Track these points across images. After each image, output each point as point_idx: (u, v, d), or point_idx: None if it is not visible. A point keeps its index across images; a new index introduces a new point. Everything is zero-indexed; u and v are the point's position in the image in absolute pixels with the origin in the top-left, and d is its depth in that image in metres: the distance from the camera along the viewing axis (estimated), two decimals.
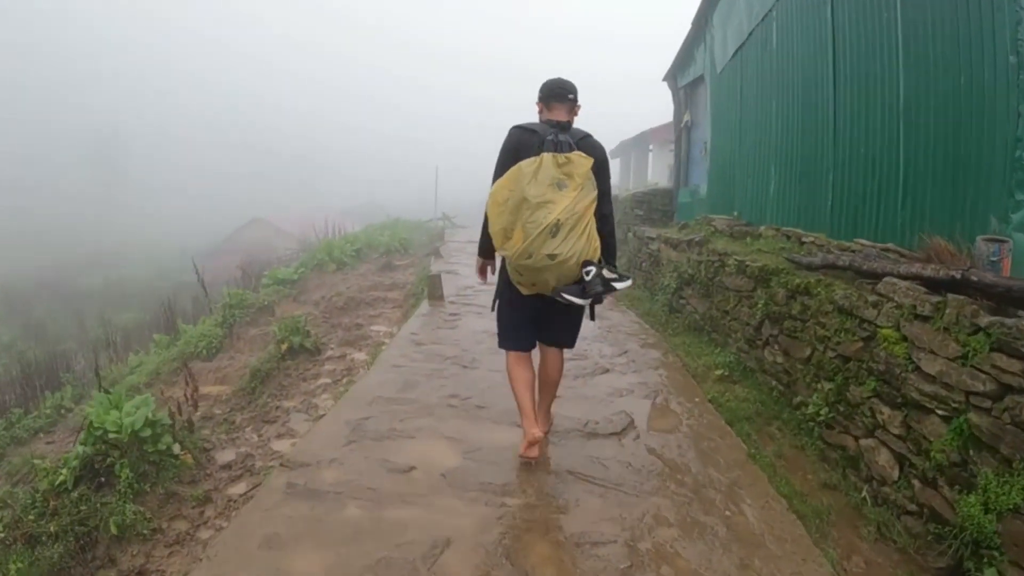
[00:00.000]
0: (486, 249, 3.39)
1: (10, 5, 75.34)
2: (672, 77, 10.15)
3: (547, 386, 3.54)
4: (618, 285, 3.09)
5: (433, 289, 7.51)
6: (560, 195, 2.89)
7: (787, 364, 4.37)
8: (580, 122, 3.32)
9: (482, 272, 3.60)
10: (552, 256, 2.88)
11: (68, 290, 29.18)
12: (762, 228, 6.42)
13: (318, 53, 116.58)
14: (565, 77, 3.29)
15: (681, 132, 9.84)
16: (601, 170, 3.09)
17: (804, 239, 5.50)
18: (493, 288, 3.59)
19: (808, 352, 4.06)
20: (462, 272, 10.37)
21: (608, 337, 6.13)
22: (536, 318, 3.37)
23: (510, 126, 3.20)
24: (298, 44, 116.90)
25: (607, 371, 5.05)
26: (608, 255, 3.24)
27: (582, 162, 2.95)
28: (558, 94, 3.21)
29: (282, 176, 72.06)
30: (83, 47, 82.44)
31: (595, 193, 3.01)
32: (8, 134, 61.89)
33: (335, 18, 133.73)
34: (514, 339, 3.45)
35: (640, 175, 24.22)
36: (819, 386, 3.83)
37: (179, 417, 5.08)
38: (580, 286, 3.00)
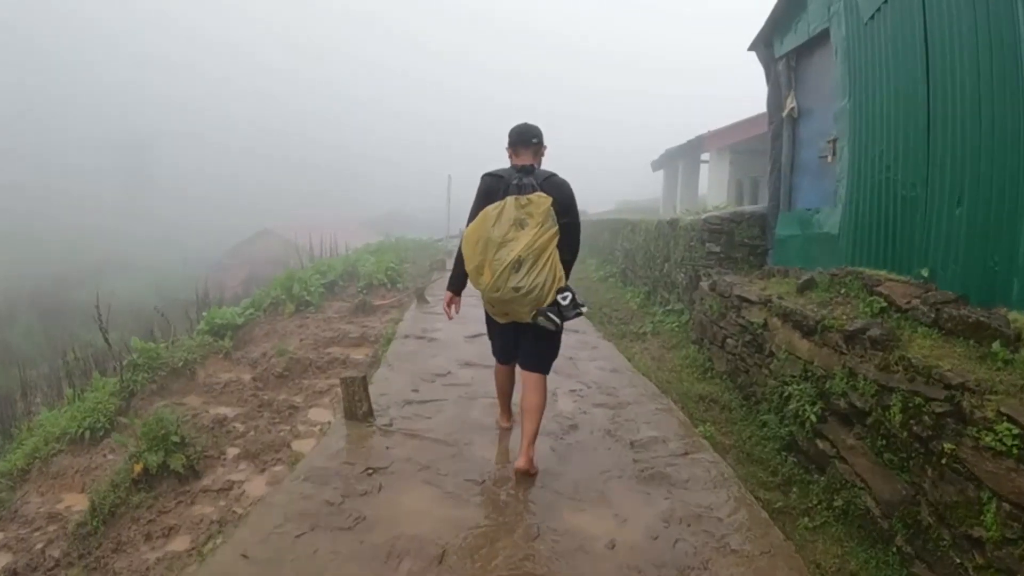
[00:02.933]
0: (457, 284, 3.69)
1: (37, 16, 75.67)
2: (764, 44, 6.69)
3: (529, 413, 3.50)
4: (583, 310, 3.33)
5: (352, 403, 4.11)
6: (522, 233, 3.17)
7: None
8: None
9: (449, 304, 3.76)
10: (517, 289, 3.16)
11: (57, 305, 26.89)
12: (1019, 320, 2.95)
13: (350, 62, 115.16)
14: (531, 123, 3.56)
15: (781, 126, 6.37)
16: (566, 205, 3.37)
17: None
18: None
19: None
20: (444, 336, 6.98)
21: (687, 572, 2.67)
22: (514, 340, 3.64)
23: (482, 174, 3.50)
24: (329, 53, 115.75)
25: None
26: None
27: (541, 201, 3.22)
28: (524, 140, 3.49)
29: (311, 185, 70.23)
30: (111, 56, 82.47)
31: (555, 228, 3.24)
32: (34, 141, 61.51)
33: (365, 23, 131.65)
34: (499, 354, 3.87)
35: (689, 192, 20.46)
36: None
37: None
38: (556, 309, 3.23)
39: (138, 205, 55.72)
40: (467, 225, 3.39)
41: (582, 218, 3.66)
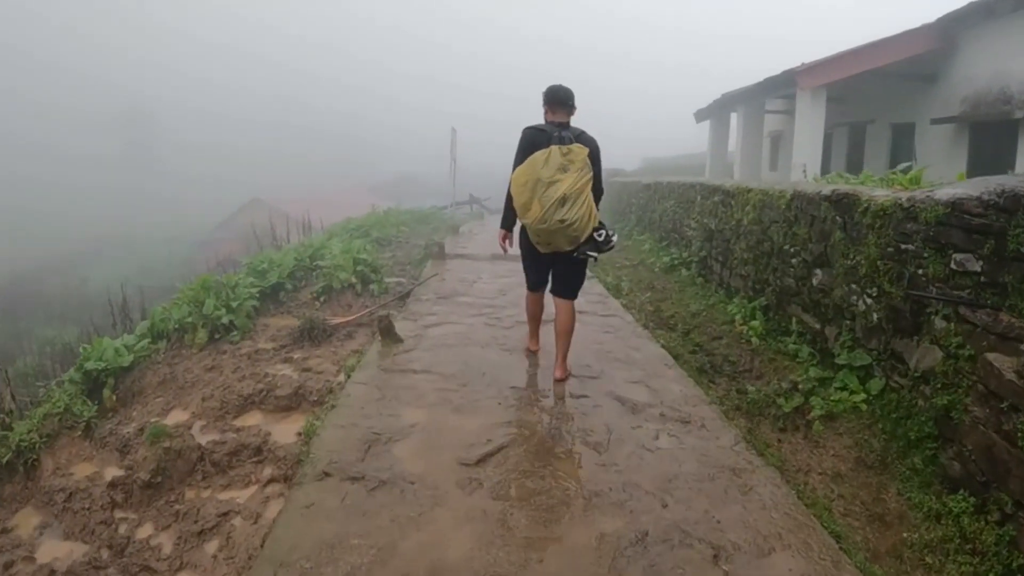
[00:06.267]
0: (508, 222, 4.47)
1: None
2: None
3: (561, 335, 4.37)
4: (614, 239, 4.11)
5: None
6: (565, 176, 3.84)
7: None
8: None
9: (503, 240, 4.56)
10: (562, 221, 3.84)
11: (26, 294, 24.18)
12: None
13: (365, 25, 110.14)
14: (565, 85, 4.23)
15: None
16: (594, 157, 4.03)
17: None
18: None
19: None
20: (418, 452, 3.56)
21: None
22: (547, 271, 4.45)
23: (523, 127, 4.22)
24: (346, 13, 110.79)
25: None
26: None
27: (580, 151, 3.91)
28: (560, 100, 4.16)
29: (322, 150, 66.95)
30: (112, 25, 79.21)
31: (591, 174, 3.97)
32: (38, 117, 59.09)
33: None
34: (531, 283, 4.61)
35: (751, 148, 15.99)
36: None
37: None
38: (594, 244, 4.02)
39: (142, 180, 52.83)
40: (513, 169, 4.07)
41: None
